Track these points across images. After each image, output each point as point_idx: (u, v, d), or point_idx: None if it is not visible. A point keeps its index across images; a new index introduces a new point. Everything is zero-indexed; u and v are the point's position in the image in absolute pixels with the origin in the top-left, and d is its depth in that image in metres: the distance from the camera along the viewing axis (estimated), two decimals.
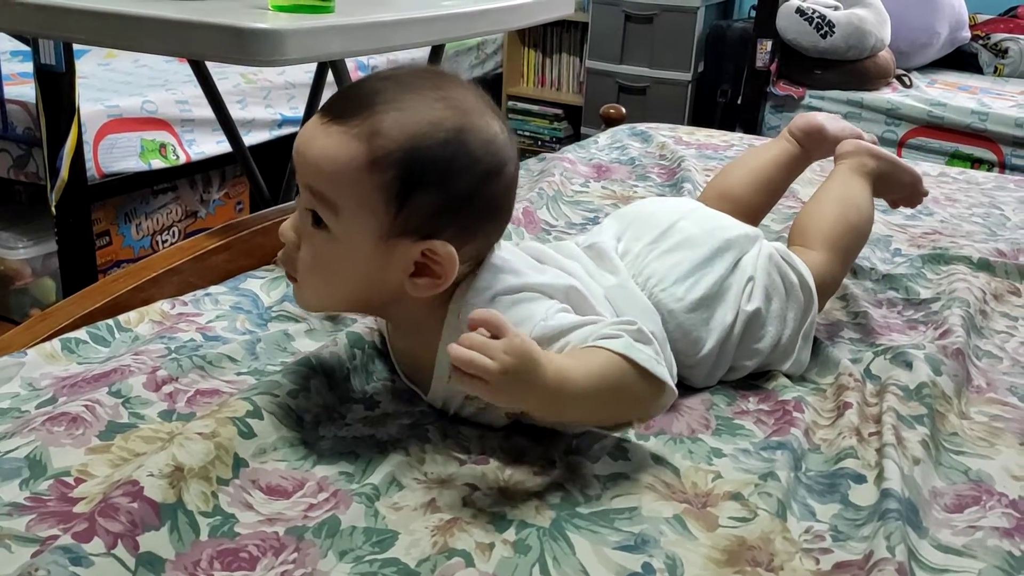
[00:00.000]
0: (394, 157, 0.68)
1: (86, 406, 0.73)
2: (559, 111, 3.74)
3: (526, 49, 3.82)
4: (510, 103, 3.79)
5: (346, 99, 0.72)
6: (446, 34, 1.30)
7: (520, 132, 3.77)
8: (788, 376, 0.92)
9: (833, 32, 2.94)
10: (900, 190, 1.13)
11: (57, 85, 1.83)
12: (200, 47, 1.05)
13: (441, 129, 0.69)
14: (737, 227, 0.94)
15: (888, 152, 1.11)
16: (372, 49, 1.18)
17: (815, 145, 1.15)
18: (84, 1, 1.07)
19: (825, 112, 1.26)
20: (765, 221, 1.32)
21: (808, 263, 0.95)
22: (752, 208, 1.12)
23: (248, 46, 1.00)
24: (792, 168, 1.16)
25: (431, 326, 0.76)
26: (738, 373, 0.91)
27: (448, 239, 0.71)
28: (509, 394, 0.65)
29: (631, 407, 0.74)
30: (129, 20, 1.04)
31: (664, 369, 0.71)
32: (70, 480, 0.66)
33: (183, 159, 2.31)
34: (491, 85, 3.78)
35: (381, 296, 0.75)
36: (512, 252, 0.80)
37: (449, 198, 0.70)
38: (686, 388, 0.88)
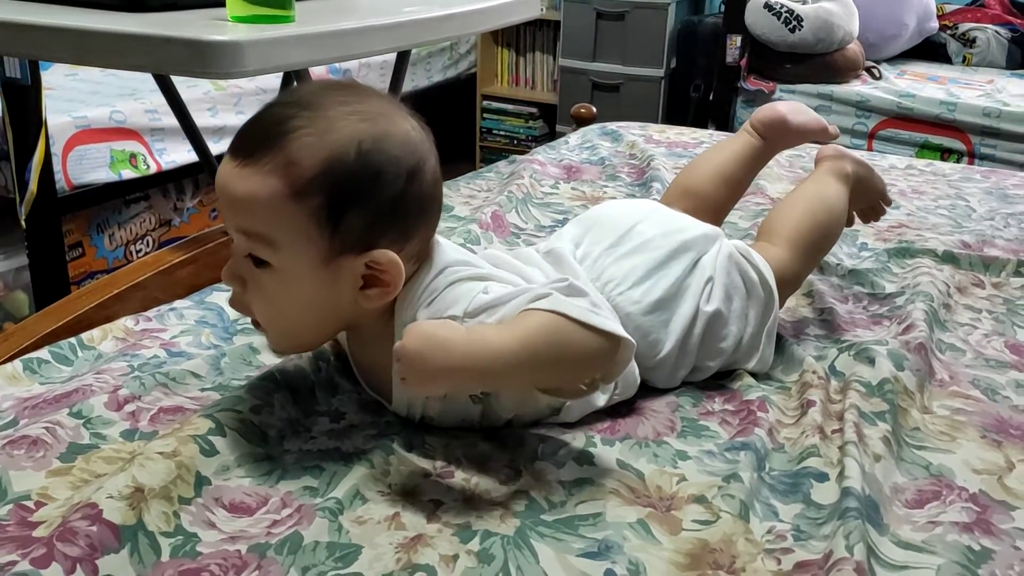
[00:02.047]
0: (316, 183, 0.68)
1: (47, 428, 0.73)
2: (534, 110, 3.74)
3: (499, 48, 3.82)
4: (485, 103, 3.78)
5: (252, 135, 0.71)
6: (409, 40, 1.30)
7: (495, 132, 3.77)
8: (753, 375, 0.93)
9: (801, 26, 2.96)
10: (870, 198, 1.14)
11: (23, 98, 1.81)
12: (160, 61, 1.04)
13: (355, 142, 0.69)
14: (696, 228, 0.94)
15: (862, 158, 1.13)
16: (334, 58, 1.17)
17: (778, 137, 1.14)
18: (42, 17, 1.06)
19: (788, 101, 1.26)
20: (732, 218, 1.33)
21: (769, 259, 0.96)
22: (715, 204, 1.11)
23: (207, 59, 1.00)
24: (755, 161, 1.15)
25: (386, 333, 0.76)
26: (703, 373, 0.91)
27: (387, 245, 0.72)
28: (433, 378, 0.66)
29: (583, 364, 0.71)
30: (87, 36, 1.03)
31: (603, 319, 0.70)
32: (30, 504, 0.65)
33: (154, 168, 2.30)
34: (465, 85, 3.77)
35: (343, 317, 0.76)
36: (468, 256, 0.81)
37: (379, 207, 0.71)
38: (650, 389, 0.88)
